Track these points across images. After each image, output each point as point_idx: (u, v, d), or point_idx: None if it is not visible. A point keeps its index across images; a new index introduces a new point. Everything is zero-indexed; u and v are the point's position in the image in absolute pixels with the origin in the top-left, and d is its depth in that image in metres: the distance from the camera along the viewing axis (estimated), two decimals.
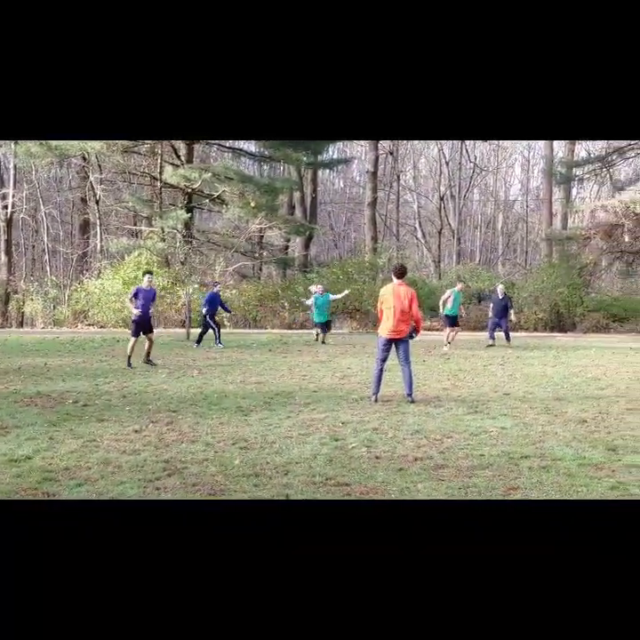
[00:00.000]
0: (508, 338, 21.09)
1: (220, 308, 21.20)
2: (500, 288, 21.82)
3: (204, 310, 20.15)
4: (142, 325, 14.75)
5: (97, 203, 36.95)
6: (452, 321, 20.58)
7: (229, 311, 24.05)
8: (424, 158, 60.25)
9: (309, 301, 21.84)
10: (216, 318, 20.45)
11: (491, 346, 20.80)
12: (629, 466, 6.80)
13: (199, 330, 20.68)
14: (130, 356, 14.57)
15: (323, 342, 21.22)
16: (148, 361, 14.81)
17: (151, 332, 15.04)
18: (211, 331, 20.20)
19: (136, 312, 14.58)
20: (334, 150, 49.66)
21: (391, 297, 10.32)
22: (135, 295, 14.78)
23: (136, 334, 14.66)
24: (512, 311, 21.42)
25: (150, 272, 15.65)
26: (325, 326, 21.48)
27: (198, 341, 19.93)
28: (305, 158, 36.88)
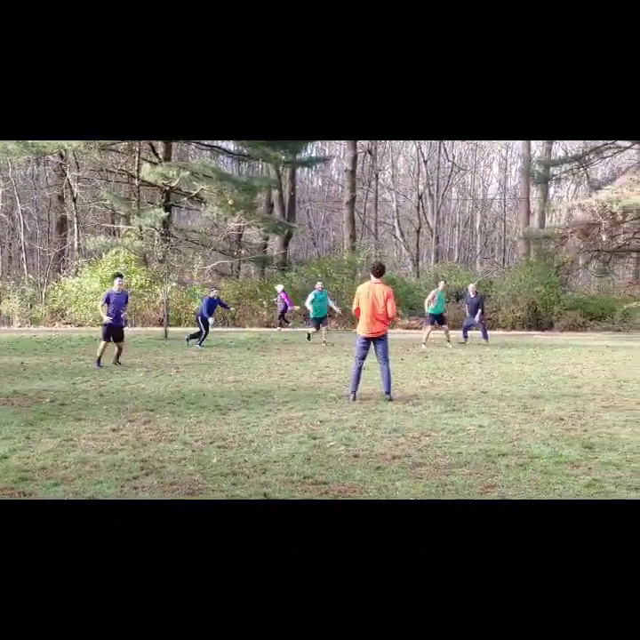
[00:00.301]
0: (485, 336, 21.28)
1: (220, 307, 21.24)
2: (471, 287, 22.04)
3: (201, 313, 19.96)
4: (113, 331, 14.57)
5: (74, 200, 36.74)
6: (437, 319, 20.70)
7: (229, 308, 23.85)
8: (402, 157, 60.34)
9: (308, 300, 21.48)
10: (210, 321, 20.25)
11: (462, 343, 21.02)
12: (605, 463, 6.85)
13: (175, 328, 20.53)
14: (99, 357, 14.40)
15: (309, 338, 20.99)
16: (117, 362, 14.72)
17: (121, 340, 14.86)
18: (208, 330, 20.03)
19: (107, 319, 14.43)
20: (313, 149, 49.62)
21: (368, 296, 10.34)
22: (106, 300, 14.57)
23: (106, 339, 14.47)
24: (479, 311, 21.58)
25: (120, 275, 15.19)
26: (321, 322, 21.13)
27: (200, 342, 19.72)
28: (283, 157, 36.81)
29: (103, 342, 14.47)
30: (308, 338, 21.06)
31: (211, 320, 19.78)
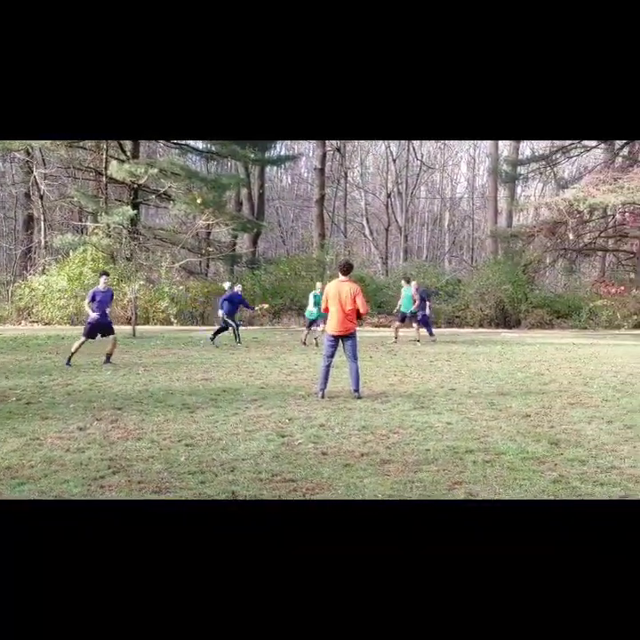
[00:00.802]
0: (418, 331, 21.40)
1: (242, 306, 20.67)
2: (413, 284, 22.05)
3: (220, 311, 19.55)
4: (99, 328, 14.47)
5: (41, 198, 36.39)
6: (402, 317, 20.90)
7: (252, 308, 22.90)
8: (371, 155, 60.47)
9: (310, 303, 20.53)
10: (235, 318, 19.78)
11: (434, 342, 21.19)
12: (571, 459, 6.91)
13: (142, 326, 20.26)
14: (72, 354, 14.29)
15: (304, 342, 20.39)
16: (108, 361, 14.55)
17: (112, 333, 14.75)
18: (229, 329, 19.66)
19: (93, 316, 14.29)
20: (282, 147, 49.60)
21: (335, 294, 10.35)
22: (92, 298, 14.43)
23: (88, 336, 14.36)
24: (427, 303, 21.81)
25: (106, 273, 15.28)
26: (315, 323, 20.40)
27: (212, 337, 19.50)
28: (252, 155, 36.77)
29: (82, 339, 14.37)
30: (305, 342, 20.36)
31: (226, 318, 19.44)
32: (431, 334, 21.77)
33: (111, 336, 14.68)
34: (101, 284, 14.73)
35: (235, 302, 19.77)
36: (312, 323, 20.37)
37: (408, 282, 21.54)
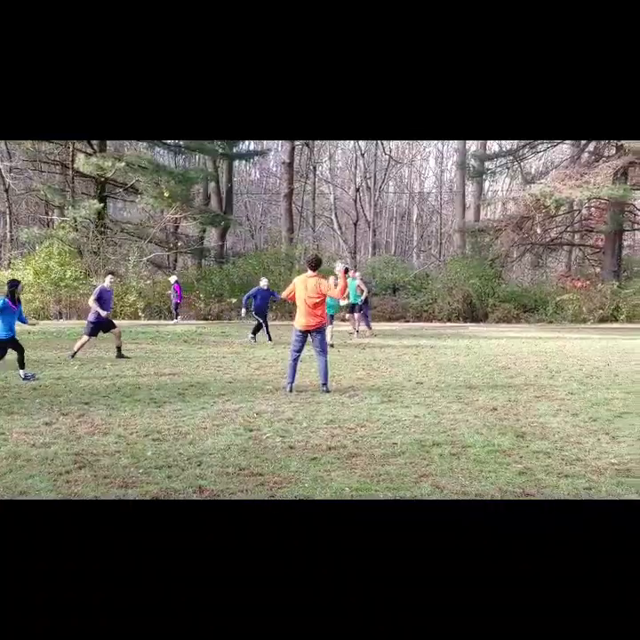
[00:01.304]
0: (369, 326, 21.34)
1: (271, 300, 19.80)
2: (357, 274, 21.73)
3: (243, 310, 19.22)
4: (102, 326, 14.46)
5: (6, 191, 35.99)
6: (352, 308, 20.93)
7: (278, 298, 21.92)
8: (340, 150, 60.47)
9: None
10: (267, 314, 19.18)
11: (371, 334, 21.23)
12: (536, 452, 6.98)
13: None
14: (76, 352, 14.40)
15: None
16: (120, 355, 14.55)
17: (114, 327, 14.75)
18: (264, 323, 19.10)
19: (104, 314, 14.23)
20: (250, 141, 49.38)
21: (301, 289, 10.36)
22: (99, 297, 14.29)
23: (92, 334, 14.37)
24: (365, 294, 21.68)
25: (112, 272, 15.62)
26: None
27: (253, 334, 19.15)
28: (220, 149, 36.68)
29: (86, 338, 14.40)
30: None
31: (255, 315, 18.97)
32: (370, 327, 21.68)
33: (115, 329, 14.71)
34: (107, 282, 14.82)
35: (263, 297, 19.01)
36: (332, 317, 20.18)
37: (354, 271, 21.58)
